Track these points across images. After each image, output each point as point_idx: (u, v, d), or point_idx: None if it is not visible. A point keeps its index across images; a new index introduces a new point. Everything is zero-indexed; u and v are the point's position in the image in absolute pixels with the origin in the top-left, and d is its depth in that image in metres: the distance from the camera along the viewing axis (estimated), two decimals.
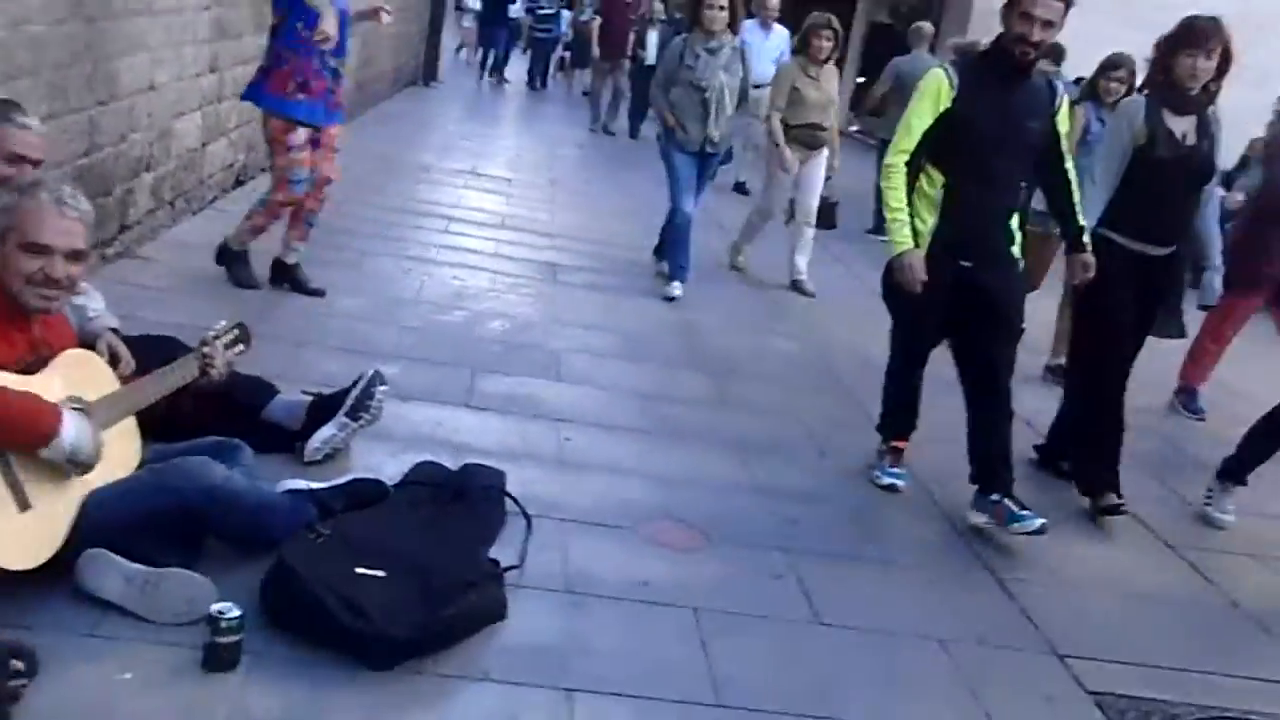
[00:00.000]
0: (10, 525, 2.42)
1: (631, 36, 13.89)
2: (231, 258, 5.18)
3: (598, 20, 14.79)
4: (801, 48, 7.20)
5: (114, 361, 3.00)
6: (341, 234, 6.34)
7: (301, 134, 4.94)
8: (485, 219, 7.87)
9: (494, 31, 18.68)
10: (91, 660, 2.43)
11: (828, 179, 7.46)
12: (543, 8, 18.76)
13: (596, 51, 14.50)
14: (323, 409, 3.56)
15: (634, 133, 14.02)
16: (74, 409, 2.54)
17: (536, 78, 19.03)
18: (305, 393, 3.65)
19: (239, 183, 7.21)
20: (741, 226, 7.63)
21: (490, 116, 15.24)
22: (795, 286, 7.20)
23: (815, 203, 7.33)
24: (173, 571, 2.60)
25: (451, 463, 3.65)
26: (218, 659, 2.43)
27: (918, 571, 3.64)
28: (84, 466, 2.55)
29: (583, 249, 7.46)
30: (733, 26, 6.36)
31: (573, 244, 7.55)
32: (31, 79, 4.17)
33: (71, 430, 2.47)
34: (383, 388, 3.61)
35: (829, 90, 7.16)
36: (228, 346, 3.11)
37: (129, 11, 5.02)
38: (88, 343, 2.99)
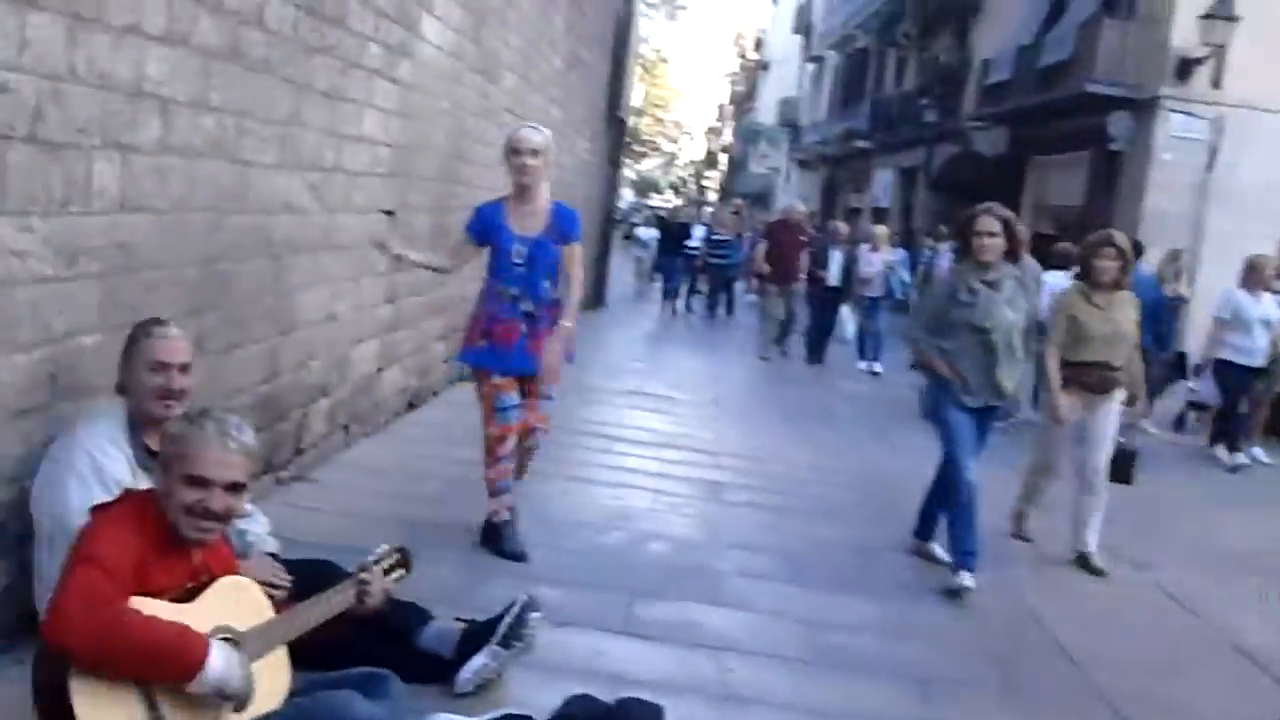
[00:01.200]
0: None
1: (804, 258, 13.59)
2: (489, 531, 4.86)
3: (763, 245, 14.25)
4: (1083, 271, 6.05)
5: (269, 589, 2.97)
6: None
7: (495, 376, 4.73)
8: (648, 438, 7.87)
9: (670, 261, 19.00)
10: None
11: (1130, 426, 6.45)
12: (717, 234, 18.75)
13: (761, 274, 14.04)
14: (476, 636, 3.46)
15: (813, 358, 13.85)
16: (223, 639, 2.49)
17: (719, 305, 19.15)
18: (458, 620, 3.57)
19: (411, 406, 7.45)
20: (1020, 487, 6.36)
21: (657, 340, 15.53)
22: (1080, 562, 5.84)
23: (1102, 459, 5.92)
24: None
25: (607, 695, 3.46)
26: None
27: None
28: (236, 700, 2.48)
29: (746, 467, 7.33)
30: (1012, 254, 5.33)
31: (736, 462, 7.44)
32: (218, 313, 4.43)
33: (219, 663, 2.40)
34: (535, 615, 3.48)
35: (1119, 320, 5.89)
36: (386, 573, 3.06)
37: (311, 247, 5.34)
38: (245, 567, 2.98)
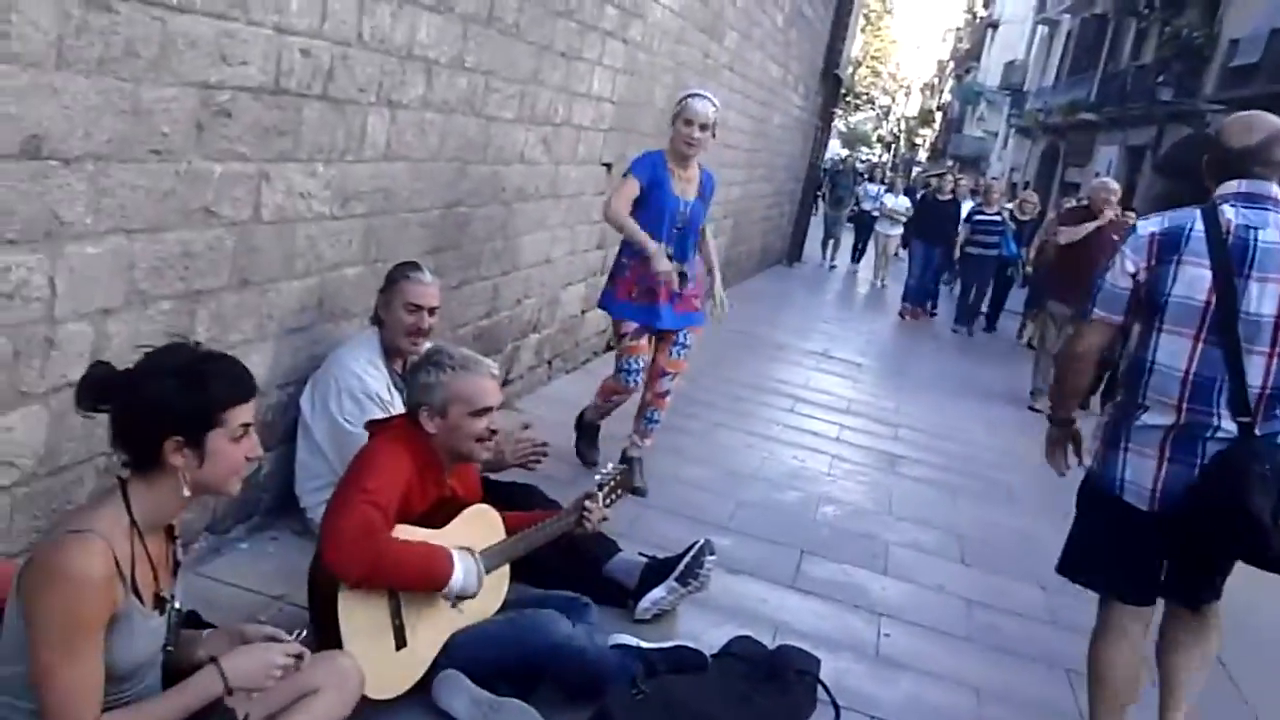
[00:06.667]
0: (385, 661, 2.81)
1: None
2: (582, 429, 5.35)
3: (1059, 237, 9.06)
4: None
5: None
6: (697, 405, 6.77)
7: (633, 325, 4.97)
8: (831, 402, 8.08)
9: (928, 250, 13.92)
10: None
11: None
12: (983, 212, 13.23)
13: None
14: (656, 571, 3.83)
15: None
16: (462, 549, 2.95)
17: (970, 316, 13.57)
18: (642, 554, 3.95)
19: (609, 348, 7.88)
20: None
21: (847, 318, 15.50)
22: None
23: None
24: (512, 702, 2.91)
25: (769, 641, 3.79)
26: None
27: None
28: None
29: (925, 442, 7.47)
30: None
31: (915, 435, 7.58)
32: (455, 252, 4.90)
33: (460, 575, 2.90)
34: (711, 558, 3.83)
35: None
36: (608, 501, 3.49)
37: (538, 195, 5.77)
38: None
